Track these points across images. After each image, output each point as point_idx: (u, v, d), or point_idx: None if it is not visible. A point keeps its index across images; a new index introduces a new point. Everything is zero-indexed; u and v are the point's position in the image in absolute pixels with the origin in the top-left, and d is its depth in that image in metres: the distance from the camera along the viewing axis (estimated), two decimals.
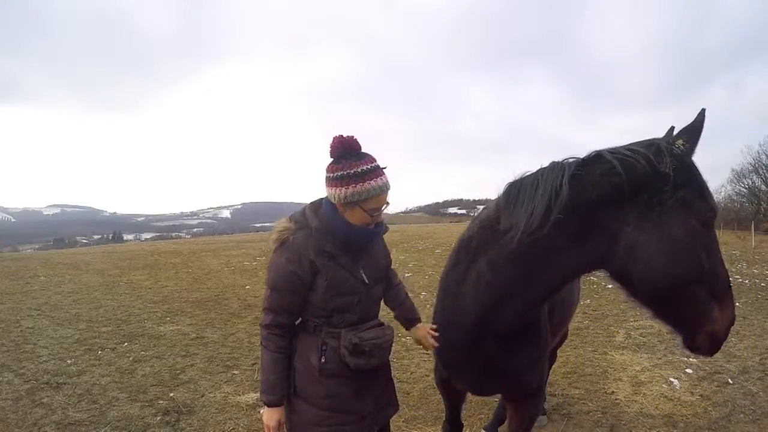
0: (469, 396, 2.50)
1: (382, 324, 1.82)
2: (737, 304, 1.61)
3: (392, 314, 2.01)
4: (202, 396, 3.87)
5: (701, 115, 1.46)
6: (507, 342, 1.82)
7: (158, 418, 3.46)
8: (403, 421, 3.40)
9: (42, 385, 4.03)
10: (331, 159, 1.63)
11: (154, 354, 4.93)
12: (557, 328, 2.37)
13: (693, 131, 1.45)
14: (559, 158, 1.58)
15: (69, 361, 4.66)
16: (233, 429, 3.33)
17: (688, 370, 4.31)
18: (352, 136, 1.61)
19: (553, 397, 3.74)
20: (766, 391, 3.89)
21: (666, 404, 3.67)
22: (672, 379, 4.11)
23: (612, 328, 5.81)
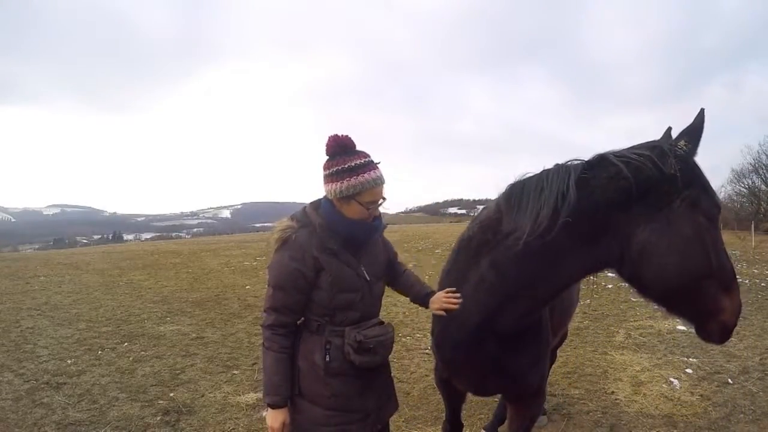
0: (469, 396, 2.49)
1: (382, 323, 1.83)
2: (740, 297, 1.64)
3: (393, 313, 2.02)
4: (202, 396, 3.87)
5: (701, 115, 1.47)
6: (508, 342, 1.82)
7: (158, 418, 3.46)
8: (403, 421, 3.40)
9: (42, 385, 4.03)
10: (327, 157, 1.68)
11: (154, 354, 4.93)
12: (557, 327, 2.38)
13: (693, 132, 1.46)
14: (561, 160, 1.58)
15: (69, 361, 4.66)
16: (233, 429, 3.33)
17: (688, 370, 4.31)
18: (347, 135, 1.66)
19: (553, 397, 3.74)
20: (766, 391, 3.89)
21: (666, 404, 3.67)
22: (672, 379, 4.11)
23: (612, 328, 5.81)
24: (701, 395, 3.81)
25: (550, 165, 1.59)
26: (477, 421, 3.39)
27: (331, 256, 1.67)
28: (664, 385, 4.01)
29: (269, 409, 1.69)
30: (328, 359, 1.69)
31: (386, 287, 1.98)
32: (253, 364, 4.61)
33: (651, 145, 1.46)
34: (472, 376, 2.02)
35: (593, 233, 1.47)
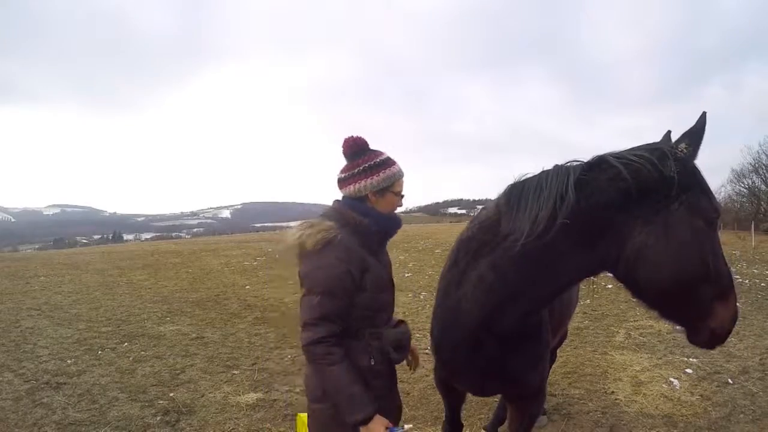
0: (469, 396, 2.49)
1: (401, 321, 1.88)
2: (737, 304, 1.64)
3: (397, 313, 2.02)
4: (202, 396, 3.87)
5: (702, 118, 1.46)
6: (508, 342, 1.81)
7: (158, 418, 3.46)
8: (403, 421, 3.40)
9: (42, 385, 4.03)
10: (346, 159, 1.70)
11: (154, 354, 4.93)
12: (557, 327, 2.38)
13: (695, 135, 1.45)
14: (560, 161, 1.58)
15: (69, 361, 4.66)
16: (233, 429, 3.33)
17: (688, 370, 4.31)
18: (360, 136, 1.69)
19: (553, 397, 3.74)
20: (766, 391, 3.89)
21: (666, 404, 3.67)
22: (672, 379, 4.11)
23: (612, 328, 5.81)
24: (701, 395, 3.81)
25: (549, 166, 1.59)
26: (477, 421, 3.39)
27: (372, 255, 1.66)
28: (664, 385, 4.01)
29: (364, 427, 1.53)
30: (373, 362, 1.66)
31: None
32: (253, 364, 4.61)
33: (651, 148, 1.45)
34: (472, 377, 2.02)
35: (592, 235, 1.47)
